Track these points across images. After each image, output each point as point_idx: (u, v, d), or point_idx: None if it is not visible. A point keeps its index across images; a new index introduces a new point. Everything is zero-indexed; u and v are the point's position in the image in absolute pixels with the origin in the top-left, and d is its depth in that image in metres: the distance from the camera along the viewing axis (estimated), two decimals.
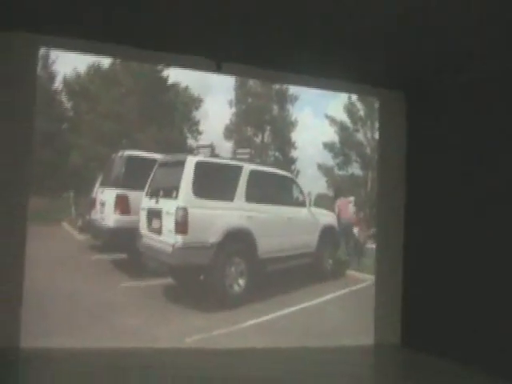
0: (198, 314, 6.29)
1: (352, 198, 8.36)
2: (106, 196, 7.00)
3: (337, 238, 8.03)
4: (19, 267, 5.51)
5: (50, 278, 5.98)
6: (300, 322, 6.72)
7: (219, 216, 6.53)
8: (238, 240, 6.72)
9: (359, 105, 8.36)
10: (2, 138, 5.47)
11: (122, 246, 6.86)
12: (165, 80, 7.64)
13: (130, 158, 7.00)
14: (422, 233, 6.69)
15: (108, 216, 6.88)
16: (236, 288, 6.66)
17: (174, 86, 7.67)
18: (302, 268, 7.39)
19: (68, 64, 6.83)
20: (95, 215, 7.11)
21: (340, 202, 8.32)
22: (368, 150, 8.35)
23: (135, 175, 6.95)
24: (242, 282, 6.68)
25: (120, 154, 7.03)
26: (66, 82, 7.07)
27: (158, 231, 6.53)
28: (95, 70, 7.20)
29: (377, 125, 7.71)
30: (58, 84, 7.07)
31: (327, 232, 7.87)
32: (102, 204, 7.05)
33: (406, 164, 7.07)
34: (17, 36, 5.47)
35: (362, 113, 8.38)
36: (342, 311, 7.05)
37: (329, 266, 7.83)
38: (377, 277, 7.11)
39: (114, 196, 6.83)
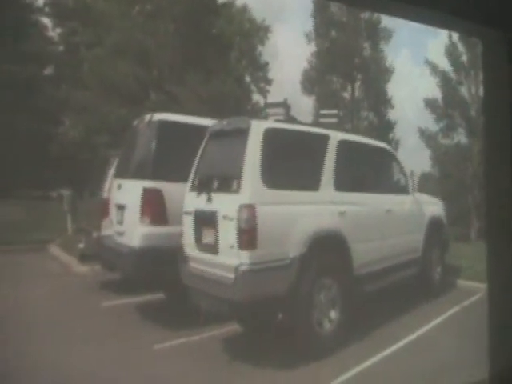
0: (273, 371, 4.56)
1: None
2: (126, 193, 5.12)
3: (445, 235, 6.69)
4: None
5: (30, 346, 4.02)
6: (406, 361, 5.09)
7: (302, 215, 4.64)
8: (329, 250, 4.84)
9: (461, 47, 7.61)
10: None
11: (155, 280, 4.93)
12: None
13: (164, 126, 4.97)
14: None
15: (131, 228, 4.98)
16: (327, 326, 4.80)
17: (228, 5, 5.04)
18: (405, 282, 5.86)
19: None
20: (108, 228, 5.22)
21: None
22: (472, 111, 7.46)
23: (172, 155, 4.94)
24: (333, 314, 4.82)
25: (147, 118, 5.10)
26: None
27: (213, 249, 4.52)
28: None
29: (481, 76, 6.63)
30: None
31: (434, 227, 6.38)
32: (120, 208, 5.13)
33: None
34: None
35: (464, 58, 7.66)
36: (454, 337, 5.54)
37: (437, 276, 6.48)
38: (489, 287, 5.32)
39: (140, 192, 4.88)
